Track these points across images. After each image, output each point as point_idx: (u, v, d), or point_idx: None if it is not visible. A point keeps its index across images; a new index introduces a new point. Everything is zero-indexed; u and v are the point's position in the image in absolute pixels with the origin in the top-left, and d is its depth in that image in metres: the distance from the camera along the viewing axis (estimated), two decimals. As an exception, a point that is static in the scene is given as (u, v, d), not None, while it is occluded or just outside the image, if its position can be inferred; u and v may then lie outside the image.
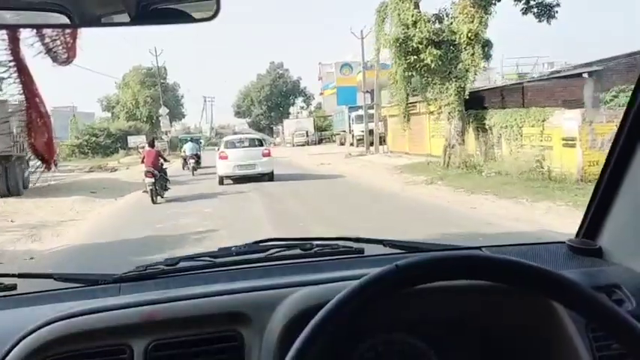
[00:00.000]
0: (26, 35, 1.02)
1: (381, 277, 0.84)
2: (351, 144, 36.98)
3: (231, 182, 16.31)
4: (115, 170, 26.53)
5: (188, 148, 22.48)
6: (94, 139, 48.05)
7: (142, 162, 13.61)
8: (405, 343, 1.18)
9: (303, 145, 51.67)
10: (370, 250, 1.55)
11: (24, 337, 1.10)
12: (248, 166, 16.22)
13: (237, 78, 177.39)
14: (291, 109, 69.55)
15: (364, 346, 1.18)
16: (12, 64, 1.01)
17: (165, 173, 13.70)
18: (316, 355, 0.78)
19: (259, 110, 67.24)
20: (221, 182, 16.24)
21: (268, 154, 16.83)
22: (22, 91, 1.02)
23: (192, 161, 21.62)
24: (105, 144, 48.17)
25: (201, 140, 43.07)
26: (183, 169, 22.74)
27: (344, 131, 41.49)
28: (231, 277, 1.42)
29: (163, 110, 43.06)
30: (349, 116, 39.53)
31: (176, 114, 61.23)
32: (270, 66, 68.25)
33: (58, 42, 1.05)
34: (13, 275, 1.46)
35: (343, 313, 0.82)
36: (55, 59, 1.05)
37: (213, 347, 1.12)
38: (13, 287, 1.42)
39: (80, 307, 1.19)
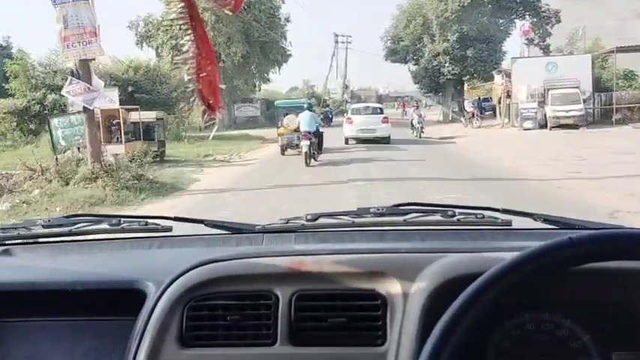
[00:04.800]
0: None
1: (555, 248, 0.76)
2: None
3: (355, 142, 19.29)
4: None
5: (304, 122, 13.76)
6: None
7: None
8: (555, 323, 1.13)
9: (575, 126, 20.53)
10: (518, 223, 1.50)
11: (178, 277, 1.16)
12: (369, 130, 19.22)
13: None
14: (506, 47, 31.28)
15: (511, 322, 1.13)
16: (185, 10, 1.02)
17: None
18: (469, 323, 0.74)
19: (440, 46, 29.85)
20: (346, 142, 19.50)
21: (387, 121, 19.71)
22: (193, 38, 1.04)
23: (305, 143, 12.88)
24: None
25: (330, 110, 30.41)
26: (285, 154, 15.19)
27: None
28: (368, 238, 1.49)
29: None
30: None
31: (269, 53, 31.66)
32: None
33: None
34: (169, 218, 1.59)
35: (507, 282, 0.76)
36: (223, 5, 1.07)
37: (355, 304, 1.12)
38: (169, 229, 1.53)
39: (228, 252, 1.27)
